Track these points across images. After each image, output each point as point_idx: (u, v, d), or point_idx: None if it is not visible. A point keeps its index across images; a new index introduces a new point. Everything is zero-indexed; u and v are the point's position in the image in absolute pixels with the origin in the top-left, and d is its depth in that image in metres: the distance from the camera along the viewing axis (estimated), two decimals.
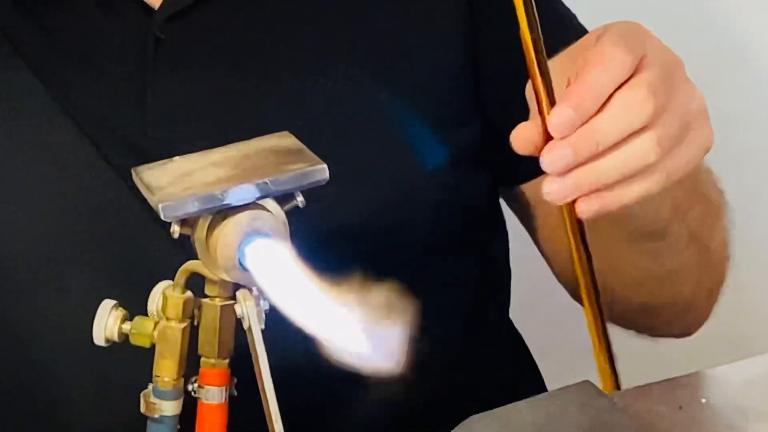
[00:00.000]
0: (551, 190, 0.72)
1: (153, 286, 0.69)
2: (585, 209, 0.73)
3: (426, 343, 0.79)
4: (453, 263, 0.97)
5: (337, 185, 0.71)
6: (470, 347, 0.98)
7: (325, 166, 0.65)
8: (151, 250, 0.82)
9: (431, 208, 0.92)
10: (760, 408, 0.70)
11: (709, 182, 0.94)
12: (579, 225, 0.77)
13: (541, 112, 0.75)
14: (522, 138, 0.74)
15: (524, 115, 0.79)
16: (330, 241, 0.82)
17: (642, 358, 1.06)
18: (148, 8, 0.91)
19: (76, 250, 0.90)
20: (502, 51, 0.90)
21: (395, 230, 0.90)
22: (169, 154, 0.68)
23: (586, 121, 0.71)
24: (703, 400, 0.71)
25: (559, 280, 1.03)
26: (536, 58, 0.74)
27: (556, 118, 0.71)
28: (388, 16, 0.96)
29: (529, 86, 0.76)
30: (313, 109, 0.92)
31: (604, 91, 0.72)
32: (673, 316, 1.00)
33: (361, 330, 0.58)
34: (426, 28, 0.96)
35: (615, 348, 0.79)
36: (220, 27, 0.93)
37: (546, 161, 0.71)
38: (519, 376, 1.04)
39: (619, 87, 0.73)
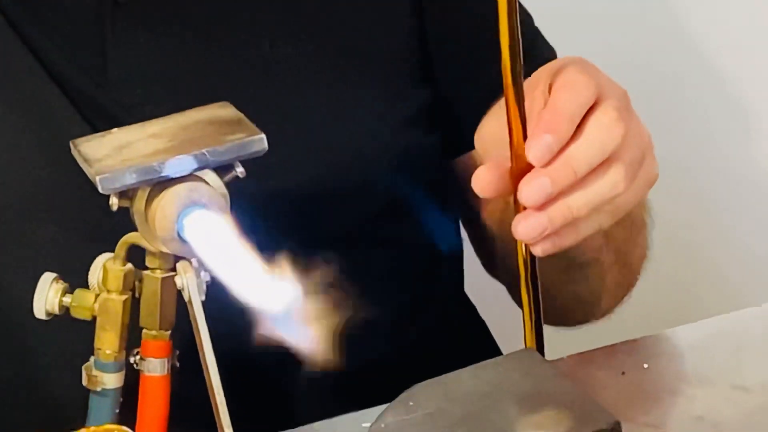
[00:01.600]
0: (522, 230, 0.69)
1: (118, 240, 0.69)
2: (544, 248, 0.71)
3: (373, 308, 0.79)
4: (403, 227, 0.97)
5: (292, 148, 0.71)
6: (419, 313, 0.97)
7: (263, 135, 0.65)
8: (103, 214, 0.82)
9: (382, 171, 0.91)
10: (702, 372, 0.71)
11: None
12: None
13: (512, 146, 0.72)
14: (482, 181, 0.72)
15: (471, 80, 0.79)
16: (282, 204, 0.83)
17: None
18: None
19: (43, 204, 0.90)
20: (449, 14, 0.90)
21: (345, 194, 0.90)
22: (129, 115, 0.69)
23: (563, 149, 0.69)
24: (646, 366, 0.72)
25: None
26: (514, 90, 0.71)
27: (535, 148, 0.68)
28: None
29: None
30: (269, 74, 0.93)
31: (576, 115, 0.70)
32: (582, 318, 1.01)
33: (294, 307, 0.58)
34: None
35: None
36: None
37: (524, 195, 0.68)
38: (470, 345, 1.04)
39: (587, 114, 0.72)
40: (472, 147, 0.83)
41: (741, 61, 1.97)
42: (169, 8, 0.92)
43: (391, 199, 0.93)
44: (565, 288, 0.89)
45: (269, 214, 0.75)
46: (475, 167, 0.74)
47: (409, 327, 0.95)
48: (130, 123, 0.68)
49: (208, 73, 0.91)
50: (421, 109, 0.96)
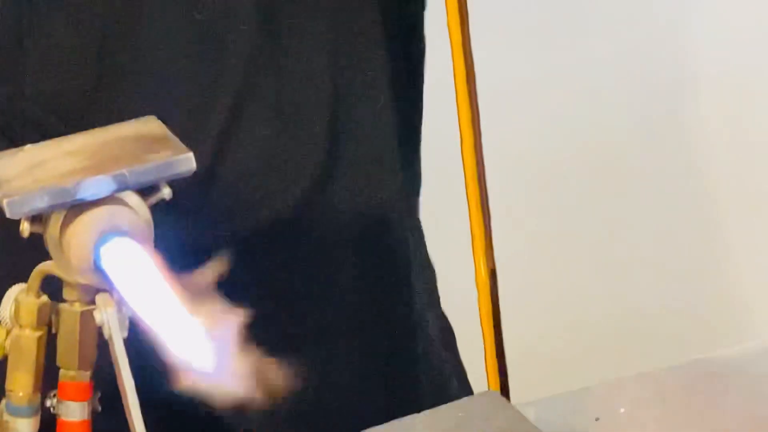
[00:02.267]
0: None
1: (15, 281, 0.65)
2: None
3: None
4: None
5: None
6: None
7: (191, 154, 0.60)
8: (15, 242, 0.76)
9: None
10: (682, 418, 0.64)
11: None
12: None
13: None
14: None
15: None
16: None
17: (560, 363, 1.00)
18: None
19: None
20: None
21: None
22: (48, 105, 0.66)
23: None
24: (622, 410, 0.65)
25: None
26: None
27: None
28: None
29: None
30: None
31: None
32: None
33: (209, 350, 0.52)
34: None
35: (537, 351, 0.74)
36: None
37: None
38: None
39: None
40: None
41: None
42: None
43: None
44: None
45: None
46: None
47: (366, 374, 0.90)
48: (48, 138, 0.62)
49: (127, 54, 0.85)
50: None
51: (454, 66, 0.87)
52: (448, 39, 0.91)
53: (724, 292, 1.72)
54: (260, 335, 0.54)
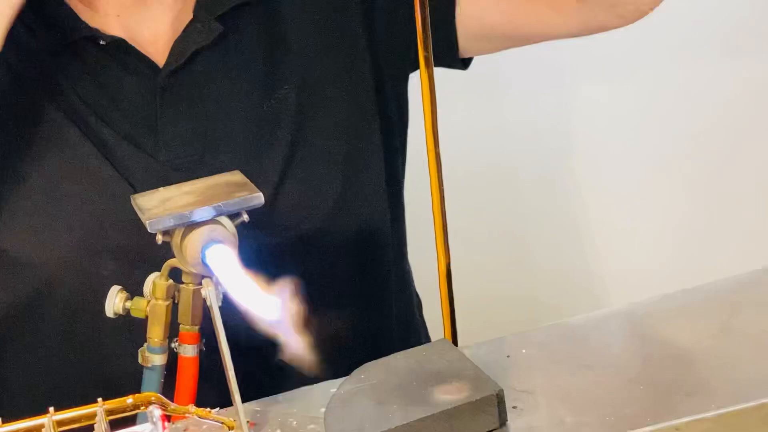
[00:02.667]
0: None
1: (153, 270, 0.95)
2: None
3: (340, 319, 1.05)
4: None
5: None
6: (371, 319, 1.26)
7: (260, 194, 0.90)
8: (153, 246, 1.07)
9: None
10: (559, 356, 0.98)
11: None
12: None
13: None
14: None
15: None
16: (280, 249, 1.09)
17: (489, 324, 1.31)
18: (155, 65, 1.20)
19: (108, 249, 1.16)
20: None
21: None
22: (178, 173, 0.96)
23: None
24: (524, 351, 0.99)
25: None
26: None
27: None
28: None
29: None
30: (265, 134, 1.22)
31: None
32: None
33: (274, 311, 0.83)
34: None
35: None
36: (204, 75, 1.21)
37: None
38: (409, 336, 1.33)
39: None
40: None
41: None
42: (198, 87, 1.20)
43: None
44: None
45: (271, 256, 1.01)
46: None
47: (369, 329, 1.22)
48: (172, 183, 0.94)
49: (230, 137, 1.18)
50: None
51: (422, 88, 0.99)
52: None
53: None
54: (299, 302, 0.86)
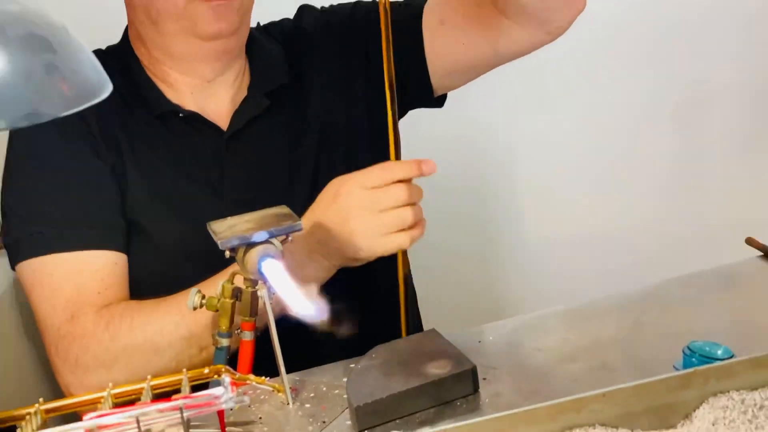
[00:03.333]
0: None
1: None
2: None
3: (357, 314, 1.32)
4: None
5: None
6: (381, 316, 1.52)
7: (300, 222, 1.18)
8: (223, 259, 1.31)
9: None
10: (517, 341, 1.30)
11: None
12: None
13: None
14: None
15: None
16: None
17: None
18: (221, 130, 1.54)
19: (192, 257, 1.44)
20: None
21: None
22: (238, 206, 1.24)
23: None
24: (491, 338, 1.31)
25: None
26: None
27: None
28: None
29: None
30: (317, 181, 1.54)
31: None
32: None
33: (309, 308, 1.11)
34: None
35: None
36: (263, 135, 1.55)
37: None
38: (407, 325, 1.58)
39: None
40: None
41: None
42: (258, 145, 1.53)
43: None
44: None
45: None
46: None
47: (378, 320, 1.49)
48: (235, 214, 1.23)
49: (286, 186, 1.51)
50: None
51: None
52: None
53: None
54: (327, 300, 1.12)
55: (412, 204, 1.29)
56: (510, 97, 2.52)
